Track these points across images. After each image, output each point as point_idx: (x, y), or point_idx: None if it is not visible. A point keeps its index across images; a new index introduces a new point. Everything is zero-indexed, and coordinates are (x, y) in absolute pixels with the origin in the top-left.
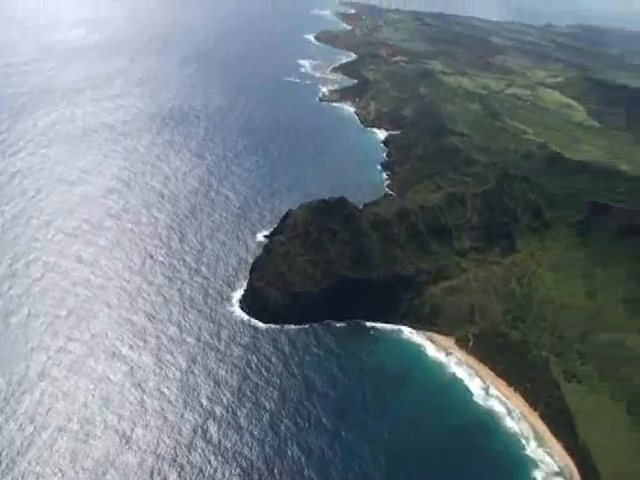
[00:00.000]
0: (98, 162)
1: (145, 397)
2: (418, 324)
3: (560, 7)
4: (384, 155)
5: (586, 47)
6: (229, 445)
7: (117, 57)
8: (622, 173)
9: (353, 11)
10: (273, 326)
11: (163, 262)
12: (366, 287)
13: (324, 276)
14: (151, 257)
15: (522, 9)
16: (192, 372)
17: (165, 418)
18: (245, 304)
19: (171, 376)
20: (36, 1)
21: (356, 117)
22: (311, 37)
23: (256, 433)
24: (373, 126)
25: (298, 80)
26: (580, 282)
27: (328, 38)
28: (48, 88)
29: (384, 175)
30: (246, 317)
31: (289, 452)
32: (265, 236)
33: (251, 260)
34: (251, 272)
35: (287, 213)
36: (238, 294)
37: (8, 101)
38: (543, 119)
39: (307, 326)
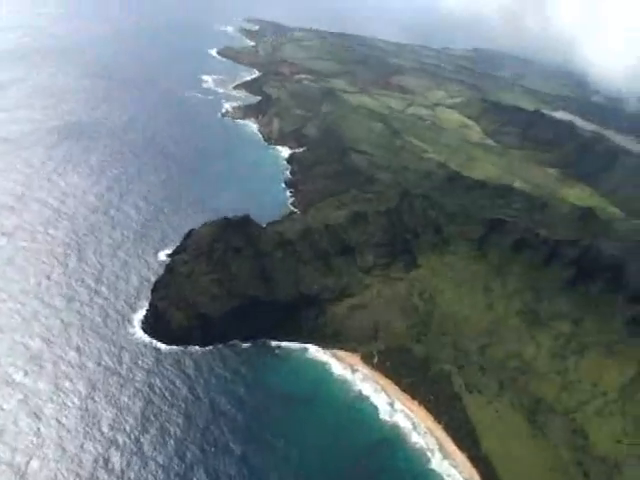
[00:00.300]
0: None
1: (41, 427)
2: (323, 342)
3: None
4: (288, 173)
5: (482, 70)
6: (132, 475)
7: (12, 66)
8: (516, 190)
9: (257, 28)
10: (176, 348)
11: (60, 282)
12: (271, 306)
13: (228, 296)
14: (47, 277)
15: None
16: (92, 398)
17: (64, 449)
18: (147, 325)
19: (70, 403)
20: None
21: (259, 134)
22: (214, 52)
23: (161, 460)
24: (276, 144)
25: (200, 95)
26: (479, 296)
27: (231, 54)
28: None
29: (288, 193)
30: (148, 339)
31: (195, 479)
32: (167, 255)
33: (153, 280)
34: (153, 292)
35: (190, 231)
36: (139, 315)
37: None
38: (442, 138)
39: (212, 347)
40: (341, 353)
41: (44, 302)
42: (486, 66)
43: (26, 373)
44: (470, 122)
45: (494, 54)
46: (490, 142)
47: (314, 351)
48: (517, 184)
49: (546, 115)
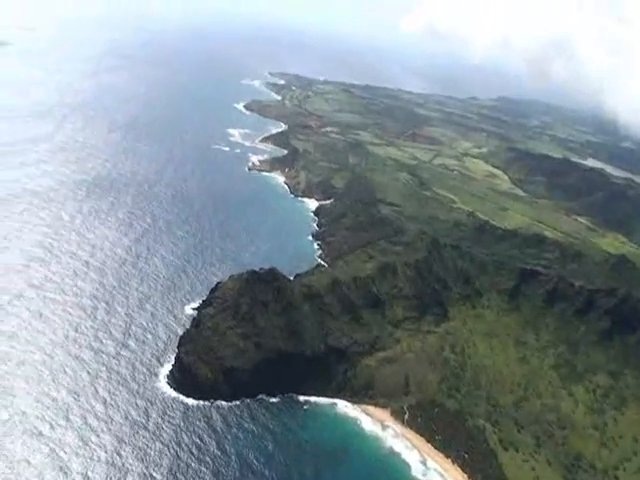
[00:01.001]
0: (19, 228)
1: None
2: (353, 397)
3: None
4: (315, 225)
5: (508, 119)
6: None
7: (43, 121)
8: (547, 240)
9: (282, 82)
10: (203, 403)
11: (88, 334)
12: (299, 360)
13: (255, 349)
14: (75, 329)
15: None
16: (119, 453)
17: None
18: (173, 380)
19: (97, 458)
20: None
21: (286, 187)
22: (241, 106)
23: None
24: (303, 196)
25: (228, 149)
26: (513, 349)
27: (258, 108)
28: None
29: (315, 245)
30: (175, 394)
31: None
32: (194, 308)
33: (180, 333)
34: (179, 346)
35: (216, 284)
36: (166, 369)
37: None
38: (470, 188)
39: (239, 402)
40: (371, 408)
41: (72, 354)
42: (512, 114)
43: (53, 426)
44: (498, 171)
45: (520, 102)
46: (519, 191)
47: (343, 406)
48: (548, 233)
49: (575, 163)
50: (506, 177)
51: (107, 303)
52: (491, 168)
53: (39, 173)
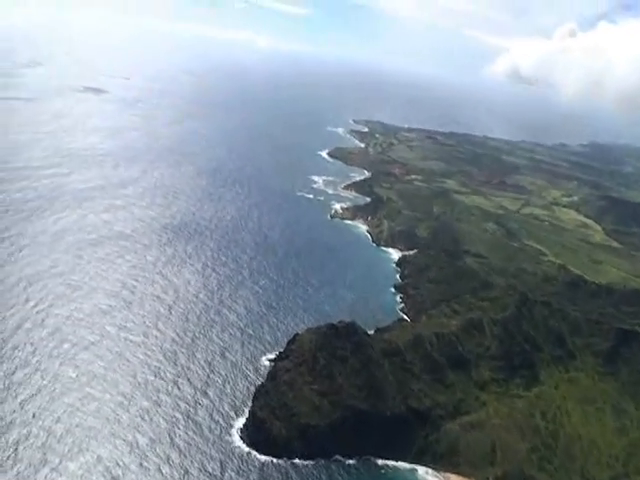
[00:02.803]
0: (106, 270)
1: None
2: (434, 463)
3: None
4: (397, 276)
5: (599, 165)
6: None
7: (130, 165)
8: None
9: (366, 129)
10: (277, 460)
11: (167, 380)
12: (378, 421)
13: (332, 408)
14: (155, 374)
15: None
16: None
17: None
18: (247, 434)
19: None
20: (58, 107)
21: (369, 236)
22: (324, 153)
23: None
24: (386, 245)
25: (311, 196)
26: (610, 417)
27: (341, 155)
28: (59, 194)
29: (397, 298)
30: (247, 448)
31: None
32: (271, 360)
33: (255, 386)
34: (254, 400)
35: (294, 337)
36: (240, 422)
37: (17, 205)
38: (561, 239)
39: (314, 462)
40: (454, 477)
41: (151, 399)
42: (604, 161)
43: (129, 471)
44: (590, 221)
45: (612, 147)
46: (613, 243)
47: (424, 473)
48: None
49: None
50: (599, 227)
51: (188, 349)
52: (583, 218)
53: (126, 216)
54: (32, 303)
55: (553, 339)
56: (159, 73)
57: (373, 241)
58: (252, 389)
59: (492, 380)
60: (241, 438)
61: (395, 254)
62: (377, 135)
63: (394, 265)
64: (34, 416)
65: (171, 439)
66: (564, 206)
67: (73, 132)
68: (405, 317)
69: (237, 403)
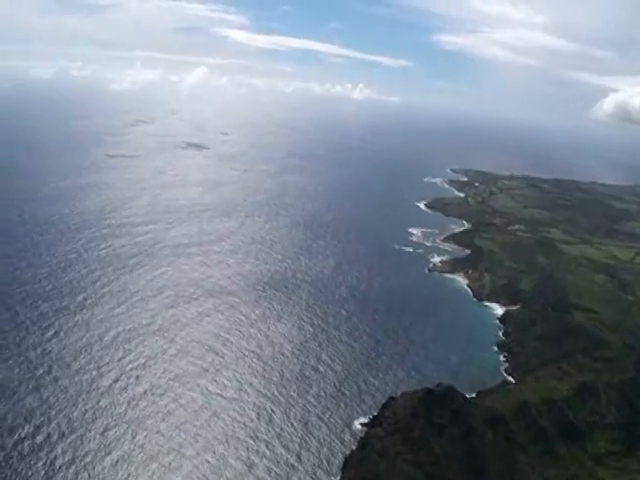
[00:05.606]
0: (199, 323)
1: None
2: None
3: None
4: (500, 333)
5: None
6: None
7: (228, 219)
8: None
9: (465, 178)
10: None
11: (262, 442)
12: None
13: None
14: (250, 435)
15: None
16: None
17: None
18: None
19: None
20: (160, 163)
21: (469, 290)
22: (422, 205)
23: None
24: (488, 300)
25: (409, 249)
26: None
27: (440, 206)
28: (158, 249)
29: (501, 357)
30: None
31: None
32: (362, 424)
33: (346, 453)
34: (343, 468)
35: (388, 400)
36: None
37: (120, 261)
38: None
39: None
40: None
41: (245, 461)
42: None
43: None
44: None
45: None
46: None
47: None
48: None
49: None
50: None
51: (284, 408)
52: None
53: (222, 271)
54: (128, 359)
55: None
56: (257, 128)
57: (474, 295)
58: (340, 457)
59: (609, 453)
60: None
61: (497, 309)
62: (477, 184)
63: (497, 321)
64: (128, 477)
65: None
66: None
67: (173, 187)
68: (509, 378)
69: (326, 472)
